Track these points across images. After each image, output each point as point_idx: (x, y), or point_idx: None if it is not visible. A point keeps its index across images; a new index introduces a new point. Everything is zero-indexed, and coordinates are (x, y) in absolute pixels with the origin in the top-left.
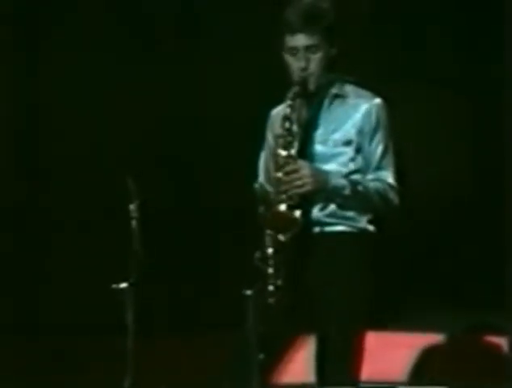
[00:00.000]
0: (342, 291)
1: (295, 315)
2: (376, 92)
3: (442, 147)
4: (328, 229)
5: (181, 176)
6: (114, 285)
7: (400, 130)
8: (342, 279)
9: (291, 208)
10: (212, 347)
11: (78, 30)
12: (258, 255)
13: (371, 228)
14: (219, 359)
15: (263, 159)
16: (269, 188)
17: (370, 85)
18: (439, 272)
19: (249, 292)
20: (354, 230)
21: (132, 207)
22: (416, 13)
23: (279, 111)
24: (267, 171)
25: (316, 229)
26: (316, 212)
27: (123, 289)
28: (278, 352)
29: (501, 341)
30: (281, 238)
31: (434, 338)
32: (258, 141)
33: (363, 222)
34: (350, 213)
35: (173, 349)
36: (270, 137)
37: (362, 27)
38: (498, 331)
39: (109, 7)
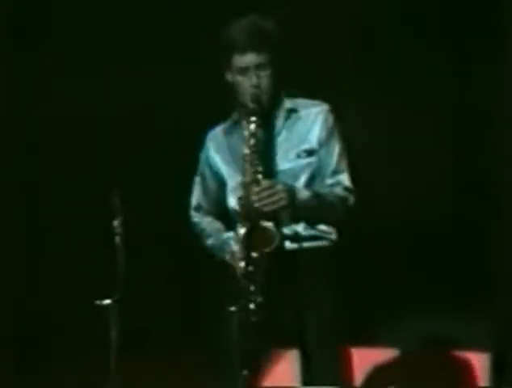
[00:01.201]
0: (318, 307)
1: (274, 331)
2: (324, 100)
3: (422, 156)
4: (300, 244)
5: (164, 191)
6: (97, 302)
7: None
8: (318, 294)
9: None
10: (196, 365)
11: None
12: (240, 271)
13: (334, 237)
14: (203, 376)
15: (199, 184)
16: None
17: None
18: (416, 284)
19: (233, 308)
20: (326, 244)
21: (115, 223)
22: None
23: (223, 129)
24: (208, 195)
25: (289, 245)
26: (287, 227)
27: (106, 306)
28: (260, 368)
29: (478, 357)
30: (259, 254)
31: (402, 353)
32: None
33: (334, 235)
34: (322, 227)
35: (157, 366)
36: (215, 159)
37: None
38: (474, 346)
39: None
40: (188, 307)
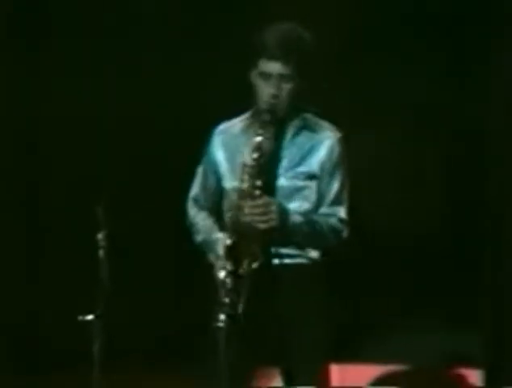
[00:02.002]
0: (304, 324)
1: (256, 347)
2: (338, 124)
3: (418, 176)
4: (285, 261)
5: (150, 203)
6: (80, 317)
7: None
8: (303, 311)
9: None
10: (182, 380)
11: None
12: (219, 282)
13: (317, 256)
14: None
15: (200, 174)
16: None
17: (332, 116)
18: (405, 300)
19: (221, 324)
20: (310, 262)
21: (99, 236)
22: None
23: (228, 127)
24: (205, 187)
25: (273, 262)
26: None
27: (89, 321)
28: (244, 384)
29: (470, 373)
30: (243, 267)
31: (396, 369)
32: None
33: (316, 253)
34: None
35: (142, 382)
36: (217, 155)
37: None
38: (467, 362)
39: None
40: (174, 320)
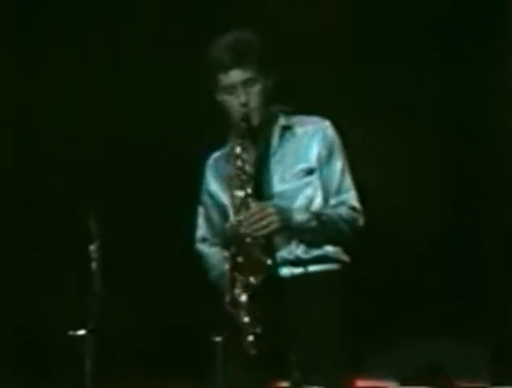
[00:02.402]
0: (323, 337)
1: (271, 363)
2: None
3: (420, 178)
4: (299, 270)
5: (144, 216)
6: (71, 332)
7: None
8: (322, 323)
9: (259, 250)
10: None
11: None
12: (228, 299)
13: (345, 258)
14: None
15: (202, 215)
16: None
17: (331, 116)
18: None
19: (218, 338)
20: (329, 268)
21: (92, 247)
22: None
23: (218, 157)
24: (211, 226)
25: (287, 271)
26: (285, 253)
27: (81, 336)
28: None
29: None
30: (253, 281)
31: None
32: None
33: (340, 253)
34: (320, 251)
35: None
36: (213, 188)
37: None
38: (472, 377)
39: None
40: (173, 336)
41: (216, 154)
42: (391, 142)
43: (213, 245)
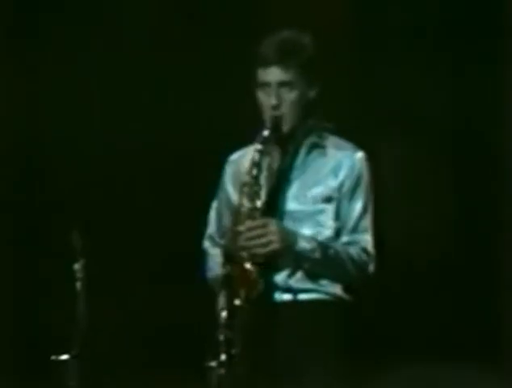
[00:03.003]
0: (314, 369)
1: None
2: (358, 143)
3: (427, 202)
4: (296, 296)
5: (130, 230)
6: (53, 357)
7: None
8: (314, 355)
9: (254, 268)
10: None
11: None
12: (223, 320)
13: (346, 296)
14: None
15: (215, 210)
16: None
17: (350, 134)
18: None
19: (213, 363)
20: (328, 298)
21: (76, 266)
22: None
23: (241, 156)
24: (220, 224)
25: (282, 296)
26: (282, 276)
27: (64, 361)
28: None
29: None
30: (237, 302)
31: None
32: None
33: (338, 289)
34: (315, 285)
35: None
36: (228, 187)
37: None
38: None
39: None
40: (163, 360)
41: (240, 152)
42: (399, 159)
43: (217, 245)
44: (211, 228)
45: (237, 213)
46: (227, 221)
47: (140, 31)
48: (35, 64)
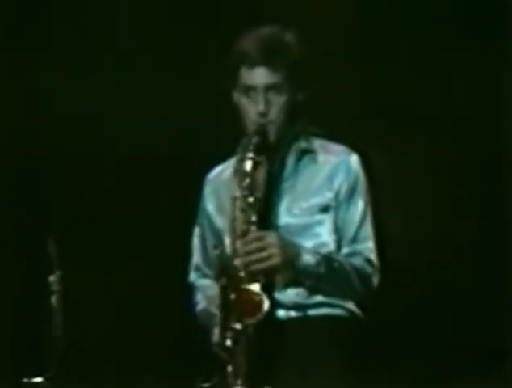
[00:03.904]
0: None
1: None
2: (350, 144)
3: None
4: (305, 312)
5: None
6: (25, 380)
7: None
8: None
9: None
10: None
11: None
12: (216, 340)
13: (358, 311)
14: None
15: (198, 237)
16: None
17: (342, 137)
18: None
19: (206, 385)
20: (341, 313)
21: (52, 278)
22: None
23: (220, 172)
24: (205, 251)
25: (289, 314)
26: (281, 295)
27: (37, 384)
28: None
29: None
30: (237, 326)
31: None
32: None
33: (349, 303)
34: (322, 299)
35: None
36: (209, 207)
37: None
38: None
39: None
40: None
41: (219, 168)
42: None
43: (204, 275)
44: (195, 259)
45: (231, 230)
46: (211, 247)
47: (140, 30)
48: (35, 64)
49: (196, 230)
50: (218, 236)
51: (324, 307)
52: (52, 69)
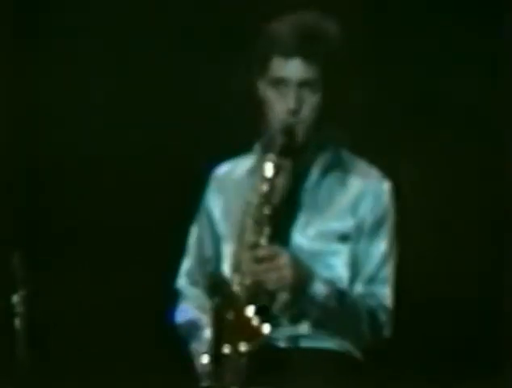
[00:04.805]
0: None
1: None
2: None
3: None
4: (304, 344)
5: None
6: None
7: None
8: None
9: (258, 311)
10: None
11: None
12: (202, 362)
13: (357, 353)
14: None
15: (195, 238)
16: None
17: (365, 149)
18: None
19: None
20: (339, 349)
21: (15, 298)
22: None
23: (230, 171)
24: (201, 253)
25: (289, 344)
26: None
27: None
28: None
29: None
30: (226, 350)
31: None
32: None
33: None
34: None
35: None
36: (212, 208)
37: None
38: None
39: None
40: None
41: (227, 166)
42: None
43: (195, 283)
44: (188, 262)
45: (238, 241)
46: (209, 252)
47: (141, 31)
48: (35, 64)
49: (194, 230)
50: (217, 242)
51: (318, 340)
52: (52, 69)
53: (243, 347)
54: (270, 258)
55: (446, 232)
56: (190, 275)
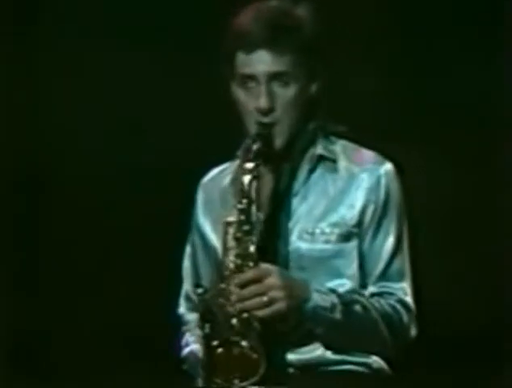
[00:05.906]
0: None
1: None
2: (382, 151)
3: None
4: (322, 368)
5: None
6: None
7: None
8: None
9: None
10: None
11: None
12: None
13: (386, 367)
14: None
15: (189, 258)
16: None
17: (371, 140)
18: None
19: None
20: (363, 370)
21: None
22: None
23: (216, 177)
24: (196, 275)
25: (288, 370)
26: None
27: None
28: None
29: None
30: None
31: None
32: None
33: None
34: (340, 356)
35: None
36: (201, 220)
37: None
38: None
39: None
40: None
41: (214, 171)
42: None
43: (195, 308)
44: (187, 284)
45: (222, 267)
46: (206, 270)
47: (142, 31)
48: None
49: (187, 250)
50: (213, 257)
51: (338, 364)
52: (53, 69)
53: (238, 385)
54: (257, 280)
55: (445, 230)
56: (189, 299)
